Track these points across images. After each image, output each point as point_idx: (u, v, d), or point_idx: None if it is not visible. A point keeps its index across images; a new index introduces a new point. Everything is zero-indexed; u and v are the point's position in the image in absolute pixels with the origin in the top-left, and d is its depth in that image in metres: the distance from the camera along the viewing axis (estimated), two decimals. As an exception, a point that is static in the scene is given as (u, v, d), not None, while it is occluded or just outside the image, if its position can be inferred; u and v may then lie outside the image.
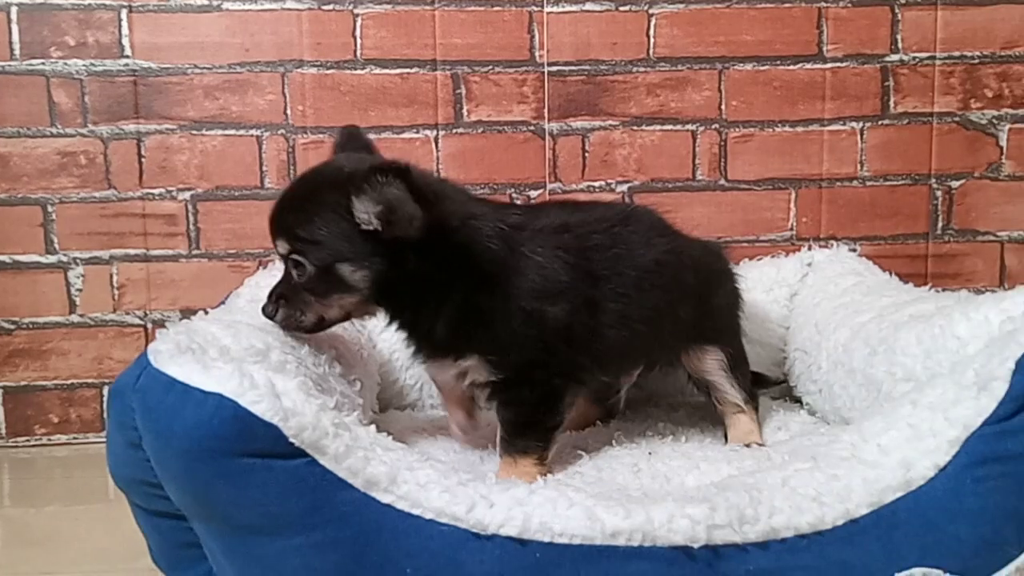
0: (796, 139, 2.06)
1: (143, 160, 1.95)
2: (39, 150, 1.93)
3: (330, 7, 1.96)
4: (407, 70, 1.98)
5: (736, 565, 0.92)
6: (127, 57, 1.93)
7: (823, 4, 2.04)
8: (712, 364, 1.49)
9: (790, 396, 1.78)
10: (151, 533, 1.07)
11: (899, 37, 2.06)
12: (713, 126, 2.05)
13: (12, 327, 1.95)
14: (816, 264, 1.86)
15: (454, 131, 2.00)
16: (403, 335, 1.31)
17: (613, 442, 1.45)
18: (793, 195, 2.07)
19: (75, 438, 1.97)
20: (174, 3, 1.93)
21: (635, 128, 2.04)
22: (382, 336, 1.71)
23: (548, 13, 2.00)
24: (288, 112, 1.97)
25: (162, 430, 0.94)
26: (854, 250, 1.92)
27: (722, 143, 2.06)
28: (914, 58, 2.06)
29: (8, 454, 1.93)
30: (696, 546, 0.92)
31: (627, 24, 2.02)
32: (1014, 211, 2.10)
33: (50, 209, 1.94)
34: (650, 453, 1.36)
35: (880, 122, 2.07)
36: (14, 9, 1.90)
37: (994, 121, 2.08)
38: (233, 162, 1.96)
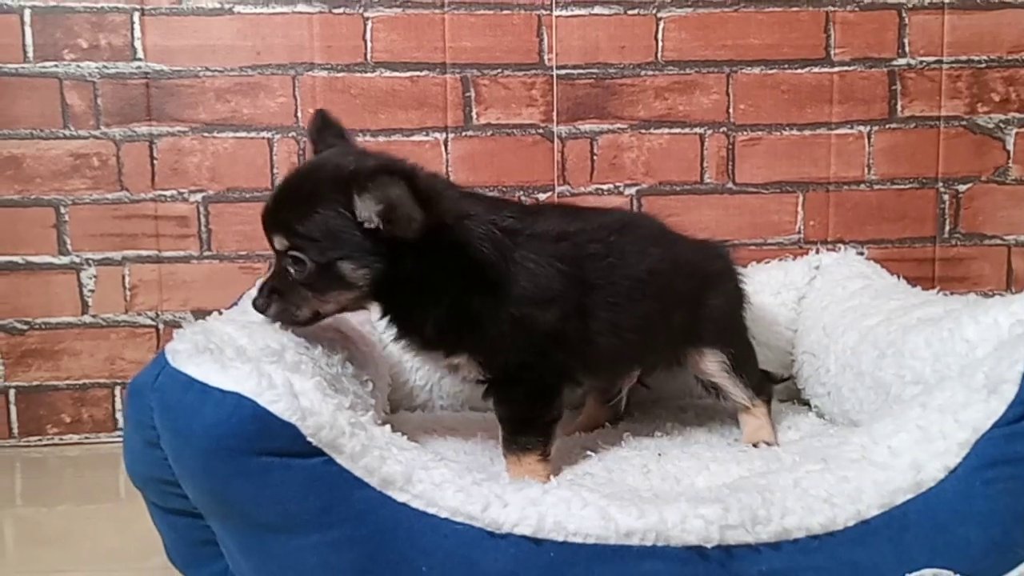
0: (804, 143, 2.07)
1: (155, 162, 1.96)
2: (52, 152, 1.94)
3: (340, 10, 1.97)
4: (417, 73, 2.00)
5: (749, 565, 0.93)
6: (139, 60, 1.94)
7: (830, 8, 2.05)
8: (713, 366, 1.50)
9: (798, 399, 1.78)
10: (167, 531, 1.08)
11: (906, 41, 2.07)
12: (721, 129, 2.06)
13: (25, 327, 1.96)
14: (824, 267, 1.86)
15: (463, 134, 2.02)
16: (394, 328, 1.32)
17: (622, 444, 1.46)
18: (801, 198, 2.08)
19: (87, 438, 1.98)
20: (186, 6, 1.94)
21: (643, 131, 2.05)
22: (393, 338, 1.71)
23: (557, 17, 2.01)
24: (299, 114, 1.98)
25: (181, 429, 0.95)
26: (861, 253, 1.93)
27: (730, 146, 2.07)
28: (921, 62, 2.07)
29: (20, 453, 1.94)
30: (709, 546, 0.93)
31: (635, 28, 2.03)
32: (1021, 215, 2.10)
33: (63, 210, 1.95)
34: (660, 454, 1.37)
35: (887, 126, 2.08)
36: (27, 12, 1.91)
37: (1001, 125, 2.09)
38: (244, 164, 1.97)
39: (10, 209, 1.94)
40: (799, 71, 2.06)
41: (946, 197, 2.10)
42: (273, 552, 0.96)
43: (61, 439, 1.98)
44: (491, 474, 1.19)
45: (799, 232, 2.08)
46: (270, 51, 1.96)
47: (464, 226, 1.25)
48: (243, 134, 1.97)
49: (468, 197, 1.33)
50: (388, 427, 1.06)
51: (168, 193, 1.97)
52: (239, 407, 0.93)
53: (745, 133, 2.07)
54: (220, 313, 1.29)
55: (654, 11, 2.03)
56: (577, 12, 2.01)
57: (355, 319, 1.49)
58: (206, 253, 1.98)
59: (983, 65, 2.08)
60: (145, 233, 1.97)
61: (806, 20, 2.05)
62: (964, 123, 2.09)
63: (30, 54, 1.92)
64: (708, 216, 2.04)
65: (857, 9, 2.05)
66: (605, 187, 2.05)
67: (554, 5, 2.01)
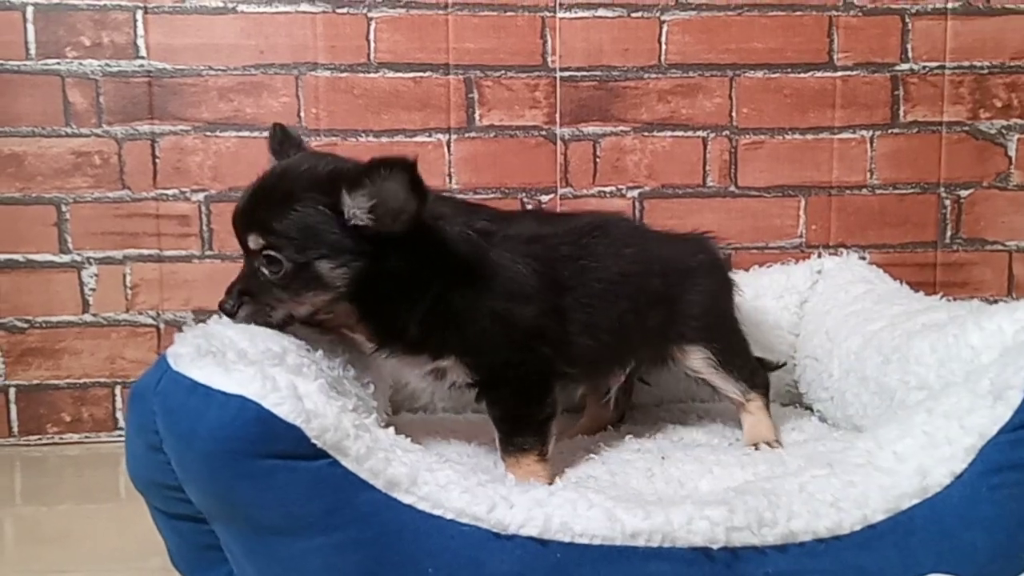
0: (806, 147, 2.07)
1: (157, 161, 1.96)
2: (54, 150, 1.93)
3: (344, 10, 1.97)
4: (420, 74, 1.99)
5: (754, 567, 0.93)
6: (142, 58, 1.94)
7: (834, 13, 2.05)
8: (699, 363, 1.50)
9: (800, 403, 1.78)
10: (170, 536, 1.07)
11: (909, 46, 2.07)
12: (724, 133, 2.06)
13: (25, 326, 1.95)
14: (826, 271, 1.87)
15: (466, 135, 2.01)
16: (370, 332, 1.30)
17: (625, 447, 1.46)
18: (803, 202, 2.08)
19: (87, 437, 1.98)
20: (189, 5, 1.94)
21: (646, 134, 2.05)
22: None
23: (560, 19, 2.01)
24: (302, 114, 1.98)
25: (185, 432, 0.94)
26: (863, 258, 1.93)
27: (732, 150, 2.07)
28: (924, 67, 2.07)
29: (20, 452, 1.94)
30: (715, 547, 0.93)
31: (639, 31, 2.03)
32: (1022, 221, 2.11)
33: (64, 209, 1.94)
34: (663, 458, 1.37)
35: (890, 131, 2.08)
36: (30, 9, 1.91)
37: (1003, 131, 2.09)
38: (247, 164, 1.97)
39: (11, 207, 1.93)
40: (802, 75, 2.06)
41: (948, 202, 2.10)
42: (278, 555, 0.95)
43: (61, 438, 1.97)
44: (495, 476, 1.19)
45: (801, 236, 2.09)
46: (273, 50, 1.96)
47: (439, 226, 1.25)
48: (246, 133, 1.97)
49: (441, 199, 1.33)
50: (392, 429, 1.06)
51: (170, 192, 1.96)
52: (243, 410, 0.92)
53: (748, 137, 2.07)
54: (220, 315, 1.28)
55: (658, 14, 2.03)
56: (581, 14, 2.01)
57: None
58: (207, 253, 1.98)
59: (985, 71, 2.08)
60: (146, 232, 1.96)
61: (809, 24, 2.05)
62: (966, 129, 2.09)
63: (32, 51, 1.92)
64: (710, 219, 2.04)
65: (860, 14, 2.06)
66: (608, 190, 2.05)
67: (558, 7, 2.01)
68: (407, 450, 1.02)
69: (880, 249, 2.09)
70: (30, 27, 1.91)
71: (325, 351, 1.26)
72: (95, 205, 1.95)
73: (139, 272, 1.97)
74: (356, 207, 1.15)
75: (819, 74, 2.06)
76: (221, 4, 1.94)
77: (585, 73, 2.03)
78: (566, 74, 2.02)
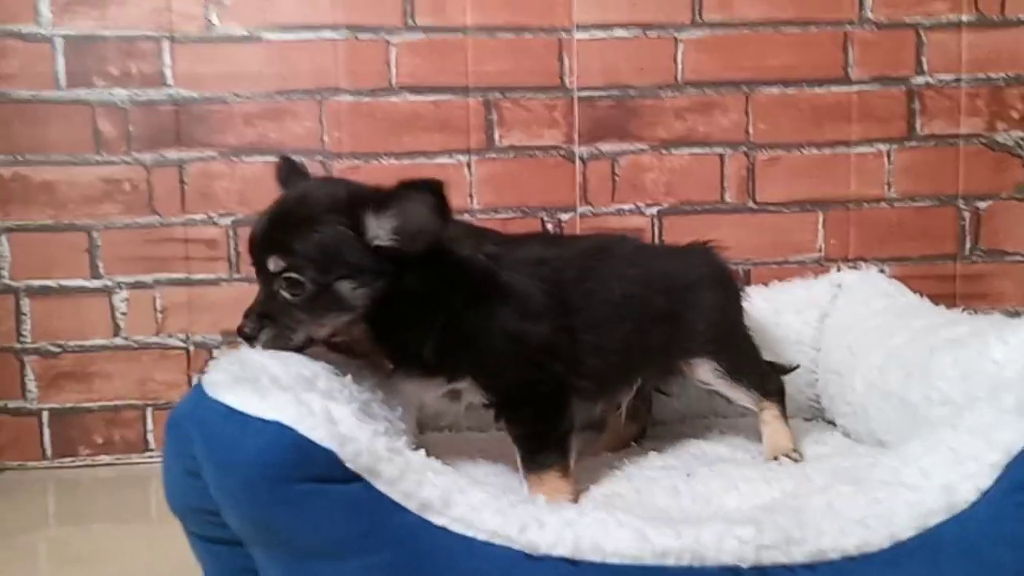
0: (823, 161, 2.09)
1: (185, 186, 2.00)
2: (84, 177, 1.98)
3: (365, 36, 2.00)
4: (440, 96, 2.03)
5: (783, 587, 0.94)
6: (169, 86, 1.98)
7: (848, 27, 2.07)
8: (708, 375, 1.51)
9: (823, 418, 1.79)
10: (208, 560, 1.08)
11: (924, 59, 2.08)
12: (741, 149, 2.08)
13: (58, 350, 1.99)
14: (846, 286, 1.87)
15: (486, 156, 2.04)
16: (385, 354, 1.30)
17: (649, 463, 1.47)
18: (821, 217, 2.09)
19: (119, 459, 2.01)
20: (214, 34, 1.98)
21: (664, 152, 2.07)
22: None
23: (577, 40, 2.04)
24: (325, 139, 2.01)
25: (223, 459, 0.95)
26: (883, 271, 1.93)
27: (750, 166, 2.08)
28: (940, 80, 2.08)
29: (54, 474, 1.97)
30: (745, 566, 0.93)
31: (655, 49, 2.05)
32: (1041, 232, 2.11)
33: (95, 235, 1.98)
34: (688, 475, 1.38)
35: (907, 144, 2.09)
36: (59, 40, 1.95)
37: (1020, 142, 2.10)
38: (272, 188, 1.94)
39: (44, 234, 1.97)
40: (818, 90, 2.07)
41: (966, 214, 2.11)
42: (316, 578, 0.97)
43: (94, 460, 2.00)
44: (524, 496, 1.21)
45: (820, 250, 2.09)
46: (296, 77, 2.00)
47: (453, 248, 1.27)
48: (270, 158, 1.99)
49: (451, 222, 1.33)
50: (423, 451, 1.07)
51: (198, 217, 2.00)
52: (280, 435, 0.94)
53: (765, 152, 2.08)
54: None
55: (673, 33, 2.05)
56: (597, 35, 2.04)
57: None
58: (235, 276, 2.01)
59: (1002, 83, 2.09)
60: (175, 256, 2.00)
61: (824, 40, 2.07)
62: (983, 140, 2.10)
63: (62, 81, 1.96)
64: (729, 235, 2.04)
65: (875, 28, 2.07)
66: (626, 207, 2.07)
67: (574, 28, 2.03)
68: (438, 472, 1.03)
69: (899, 262, 2.09)
70: (60, 58, 1.96)
71: (354, 375, 1.27)
72: (125, 231, 1.99)
73: (169, 296, 2.00)
74: (380, 227, 1.17)
75: (835, 89, 2.08)
76: (246, 33, 1.98)
77: (602, 92, 2.05)
78: (584, 94, 2.05)
